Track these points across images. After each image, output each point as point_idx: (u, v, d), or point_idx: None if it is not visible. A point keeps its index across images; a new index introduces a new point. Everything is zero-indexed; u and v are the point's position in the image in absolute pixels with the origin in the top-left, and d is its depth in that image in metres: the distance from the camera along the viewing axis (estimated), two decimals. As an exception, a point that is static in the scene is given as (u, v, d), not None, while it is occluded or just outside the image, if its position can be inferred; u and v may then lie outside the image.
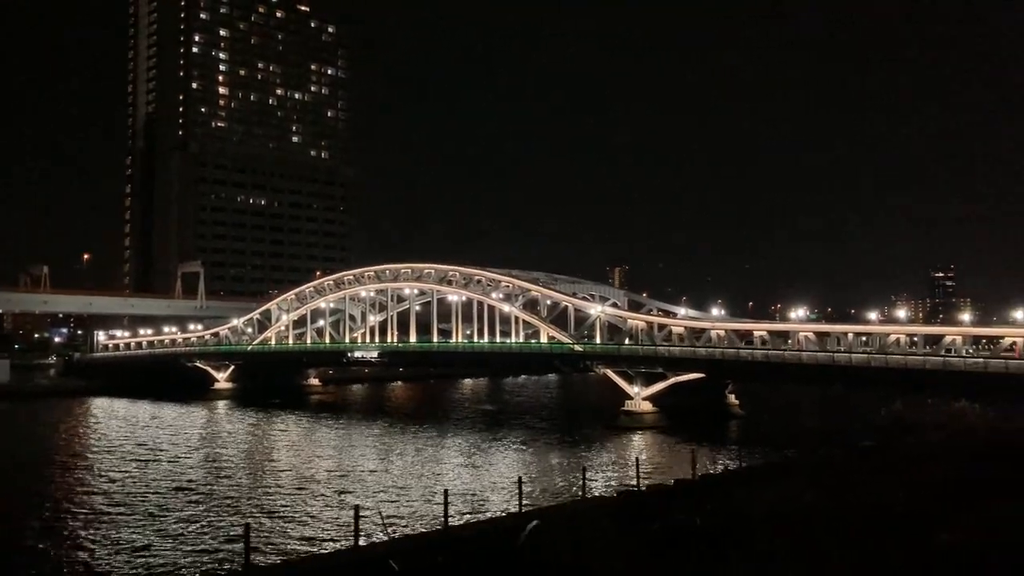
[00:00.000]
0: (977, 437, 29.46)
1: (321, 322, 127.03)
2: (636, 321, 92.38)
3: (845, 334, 78.87)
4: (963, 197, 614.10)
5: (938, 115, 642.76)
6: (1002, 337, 72.65)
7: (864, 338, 78.08)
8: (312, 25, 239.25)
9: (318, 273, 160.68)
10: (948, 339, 73.09)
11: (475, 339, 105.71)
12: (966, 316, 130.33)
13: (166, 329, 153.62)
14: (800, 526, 20.90)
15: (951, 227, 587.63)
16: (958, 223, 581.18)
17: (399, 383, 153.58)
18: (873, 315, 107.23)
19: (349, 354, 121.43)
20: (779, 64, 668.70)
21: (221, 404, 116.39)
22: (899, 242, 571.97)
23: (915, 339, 75.18)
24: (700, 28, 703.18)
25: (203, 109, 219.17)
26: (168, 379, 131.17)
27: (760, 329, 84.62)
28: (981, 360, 69.33)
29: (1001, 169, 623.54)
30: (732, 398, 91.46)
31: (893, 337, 74.32)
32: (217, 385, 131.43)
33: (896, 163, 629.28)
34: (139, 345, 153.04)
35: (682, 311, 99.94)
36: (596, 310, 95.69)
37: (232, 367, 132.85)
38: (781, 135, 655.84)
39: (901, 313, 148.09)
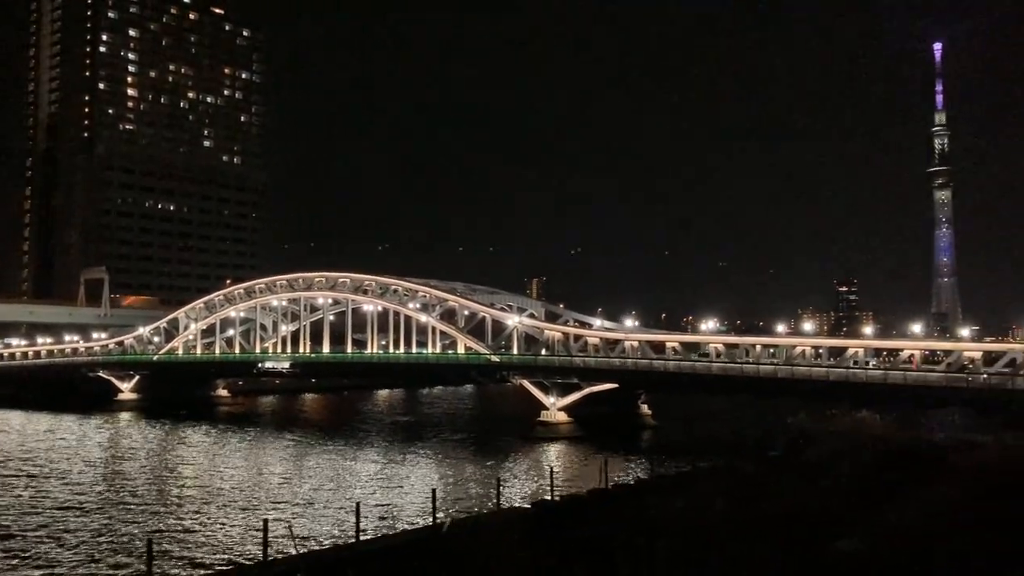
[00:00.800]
0: (876, 446, 30.51)
1: (231, 331, 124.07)
2: (553, 332, 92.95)
3: (754, 346, 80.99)
4: (864, 212, 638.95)
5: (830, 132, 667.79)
6: (901, 349, 75.73)
7: (772, 350, 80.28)
8: (226, 28, 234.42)
9: (229, 281, 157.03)
10: (851, 351, 75.84)
11: (391, 349, 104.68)
12: (868, 329, 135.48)
13: (68, 338, 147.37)
14: (710, 534, 21.17)
15: (854, 241, 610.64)
16: (861, 237, 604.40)
17: (312, 394, 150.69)
18: (781, 327, 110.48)
19: (260, 364, 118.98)
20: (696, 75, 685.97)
21: (125, 416, 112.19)
22: (806, 256, 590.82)
23: (820, 351, 77.66)
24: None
25: (110, 111, 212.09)
26: (69, 390, 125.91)
27: (672, 340, 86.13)
28: (881, 372, 72.17)
29: (901, 185, 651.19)
30: (645, 408, 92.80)
31: (799, 349, 76.63)
32: (121, 396, 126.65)
33: (806, 177, 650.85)
34: (38, 354, 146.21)
35: (597, 322, 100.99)
36: (513, 321, 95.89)
37: (137, 377, 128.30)
38: (682, 145, 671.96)
39: (807, 326, 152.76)
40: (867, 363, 77.28)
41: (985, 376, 66.01)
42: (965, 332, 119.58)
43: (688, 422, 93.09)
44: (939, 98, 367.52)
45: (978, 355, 70.15)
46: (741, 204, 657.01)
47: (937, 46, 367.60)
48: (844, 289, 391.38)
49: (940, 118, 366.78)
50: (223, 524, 43.43)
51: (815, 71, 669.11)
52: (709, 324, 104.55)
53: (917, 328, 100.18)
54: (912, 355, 75.31)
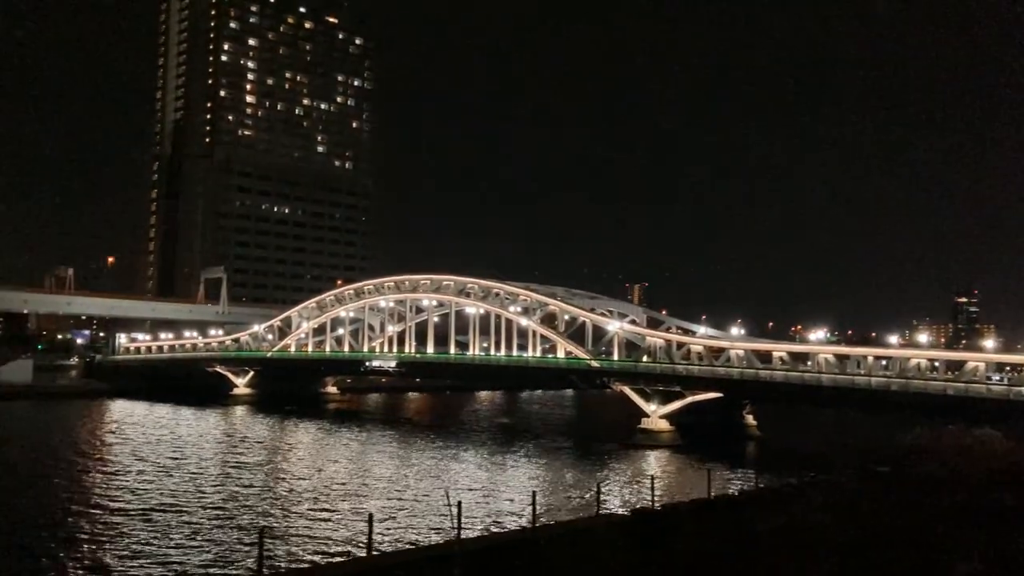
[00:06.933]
0: (996, 465, 29.16)
1: (340, 331, 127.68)
2: (654, 338, 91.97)
3: (865, 357, 78.28)
4: (986, 219, 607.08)
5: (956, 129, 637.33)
6: (1026, 364, 71.88)
7: (884, 362, 77.43)
8: (340, 36, 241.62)
9: (339, 282, 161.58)
10: (971, 365, 72.30)
11: (492, 352, 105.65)
12: (990, 342, 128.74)
13: (187, 334, 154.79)
14: (816, 551, 20.78)
15: (975, 251, 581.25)
16: (982, 247, 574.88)
17: (415, 393, 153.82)
18: (894, 339, 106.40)
19: (367, 363, 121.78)
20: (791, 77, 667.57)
21: (239, 410, 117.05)
22: (922, 265, 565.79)
23: (936, 364, 74.43)
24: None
25: (230, 117, 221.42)
26: (187, 383, 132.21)
27: (780, 350, 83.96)
28: (1004, 387, 68.59)
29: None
30: (750, 418, 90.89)
31: (914, 362, 73.58)
32: (236, 391, 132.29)
33: (924, 182, 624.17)
34: (160, 349, 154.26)
35: (701, 329, 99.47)
36: (614, 326, 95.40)
37: (251, 373, 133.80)
38: (793, 149, 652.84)
39: (923, 338, 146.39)
40: (989, 378, 73.65)
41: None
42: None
43: (794, 433, 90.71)
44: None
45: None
46: (849, 207, 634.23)
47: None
48: (963, 300, 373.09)
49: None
50: (330, 517, 44.89)
51: (951, 64, 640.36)
52: (818, 334, 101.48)
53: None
54: (1039, 371, 71.47)
